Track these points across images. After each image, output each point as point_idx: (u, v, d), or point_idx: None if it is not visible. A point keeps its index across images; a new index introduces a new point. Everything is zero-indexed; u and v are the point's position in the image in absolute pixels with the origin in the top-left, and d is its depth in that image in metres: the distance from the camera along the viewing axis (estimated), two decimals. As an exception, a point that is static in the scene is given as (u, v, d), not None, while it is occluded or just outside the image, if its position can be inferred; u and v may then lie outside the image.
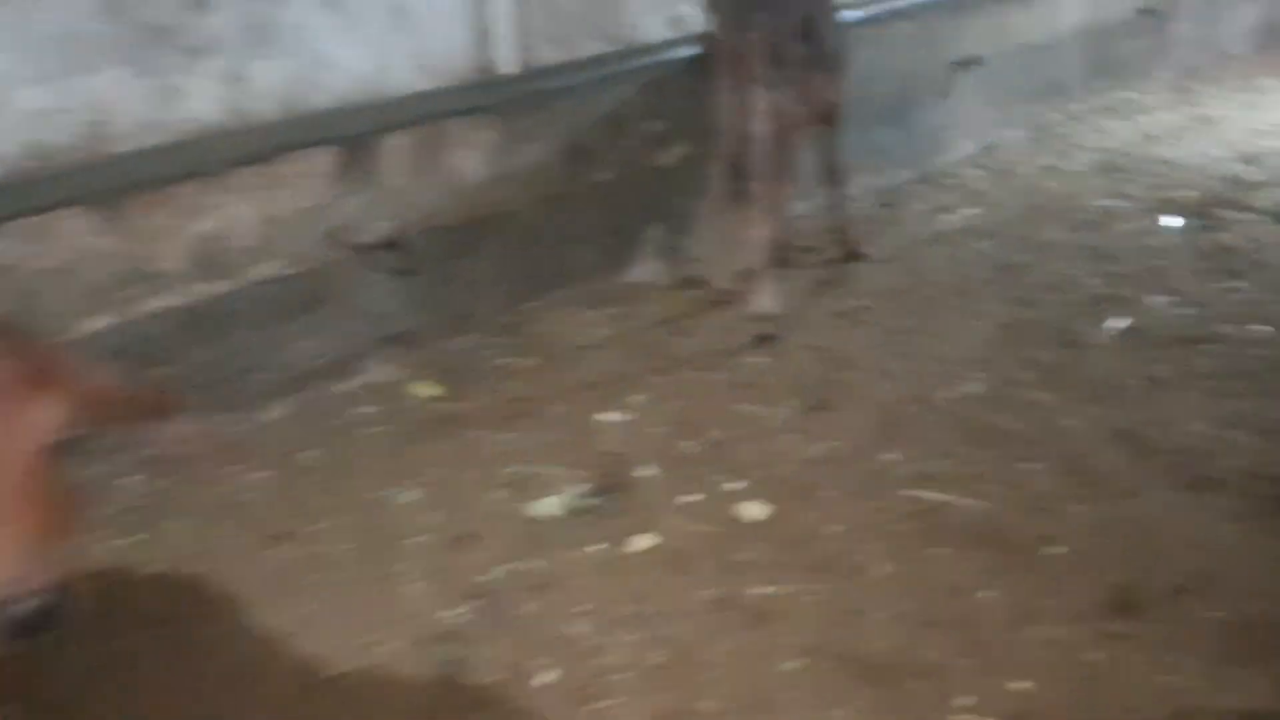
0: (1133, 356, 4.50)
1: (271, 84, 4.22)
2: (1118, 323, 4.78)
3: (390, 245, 4.56)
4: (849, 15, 6.01)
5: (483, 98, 4.83)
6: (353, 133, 4.43)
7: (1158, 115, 8.05)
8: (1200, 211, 6.00)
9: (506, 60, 5.17)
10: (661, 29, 5.37)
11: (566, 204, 5.16)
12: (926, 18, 6.65)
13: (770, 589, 3.31)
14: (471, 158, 4.78)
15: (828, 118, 5.30)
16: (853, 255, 5.67)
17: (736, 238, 4.96)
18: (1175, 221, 5.88)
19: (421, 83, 4.72)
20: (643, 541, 3.54)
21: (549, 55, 5.24)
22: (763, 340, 4.76)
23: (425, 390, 4.55)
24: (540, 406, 4.39)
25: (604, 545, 3.53)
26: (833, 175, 5.53)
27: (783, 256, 5.49)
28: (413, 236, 4.64)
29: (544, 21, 5.17)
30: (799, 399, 4.30)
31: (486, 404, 4.43)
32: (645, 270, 5.58)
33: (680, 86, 5.34)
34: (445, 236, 4.77)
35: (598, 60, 5.32)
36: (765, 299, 4.77)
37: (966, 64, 6.95)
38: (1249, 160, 6.90)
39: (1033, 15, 7.45)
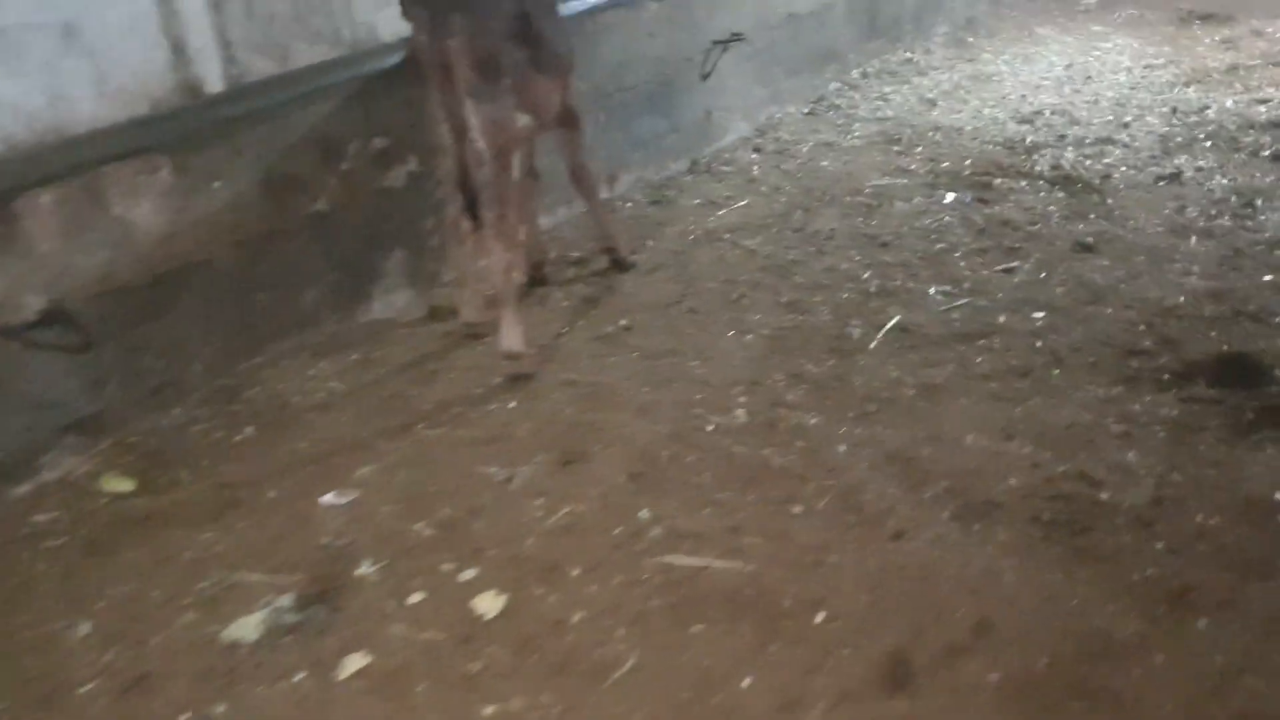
0: (906, 360, 4.15)
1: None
2: (891, 322, 4.42)
3: (51, 320, 3.84)
4: (583, 2, 5.52)
5: (157, 132, 4.13)
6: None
7: (935, 76, 7.83)
8: (978, 182, 5.74)
9: (211, 77, 4.52)
10: (400, 25, 4.69)
11: (277, 242, 4.51)
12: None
13: (501, 706, 2.81)
14: (145, 204, 4.08)
15: (565, 121, 4.80)
16: (618, 265, 5.20)
17: (476, 265, 4.42)
18: (952, 197, 5.59)
19: (111, 112, 4.10)
20: (354, 663, 2.99)
21: (261, 67, 4.60)
22: (515, 380, 4.25)
23: (115, 485, 3.87)
24: (252, 492, 3.77)
25: (305, 674, 2.96)
26: (581, 181, 5.04)
27: (539, 275, 5.01)
28: (78, 306, 3.93)
29: (248, 27, 4.52)
30: (547, 452, 3.80)
31: (187, 495, 3.78)
32: (388, 305, 4.98)
33: (404, 94, 4.74)
34: (124, 300, 4.07)
35: (317, 70, 4.69)
36: (511, 335, 4.25)
37: (728, 41, 6.52)
38: (1025, 120, 6.71)
39: (796, -19, 7.09)
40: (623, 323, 4.67)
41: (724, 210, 5.80)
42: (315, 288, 4.70)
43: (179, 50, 4.40)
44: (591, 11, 5.68)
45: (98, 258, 3.99)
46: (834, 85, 7.66)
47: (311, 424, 4.16)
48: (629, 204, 6.02)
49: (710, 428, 3.86)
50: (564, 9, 5.36)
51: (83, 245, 3.94)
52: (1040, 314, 4.39)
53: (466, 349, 4.55)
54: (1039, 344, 4.21)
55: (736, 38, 6.57)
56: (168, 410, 4.26)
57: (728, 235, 5.43)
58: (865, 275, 4.87)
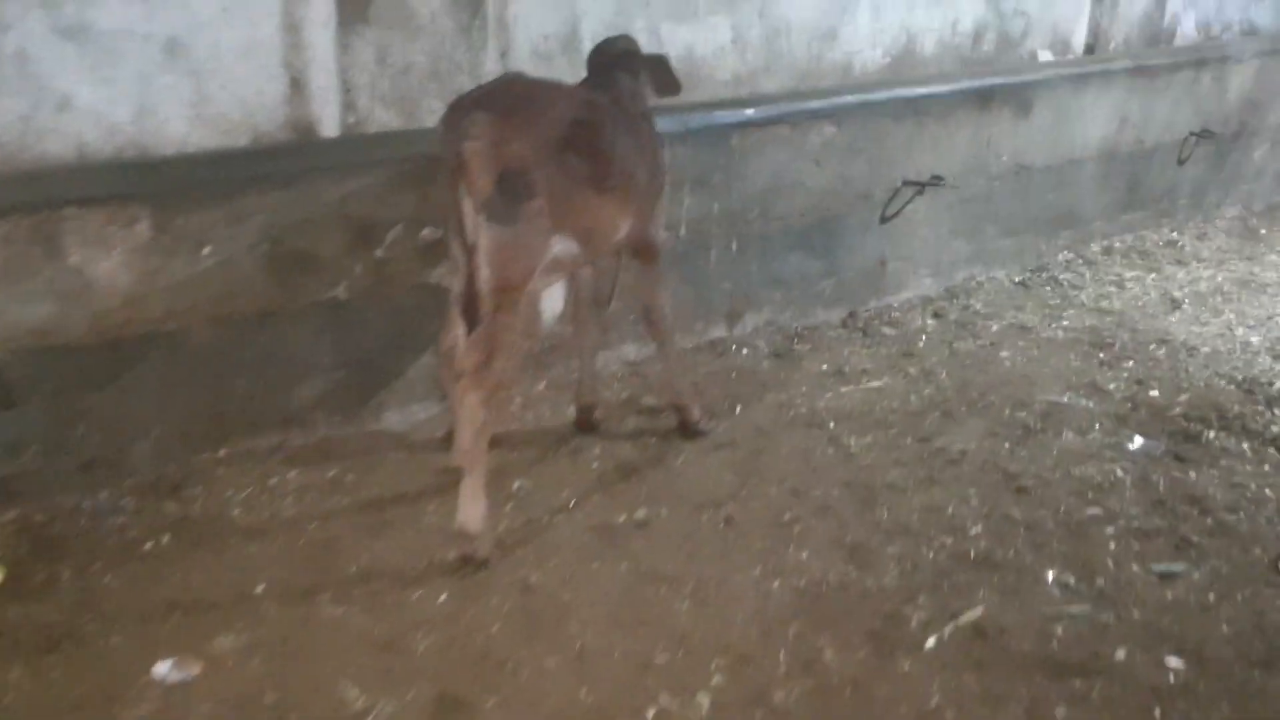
0: (961, 683, 2.98)
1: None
2: (970, 614, 3.25)
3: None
4: (734, 114, 4.63)
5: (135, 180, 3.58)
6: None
7: (1195, 270, 6.39)
8: (1184, 430, 4.39)
9: (328, 120, 4.04)
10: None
11: (272, 326, 3.86)
12: (860, 120, 5.18)
13: None
14: (111, 258, 3.52)
15: (639, 252, 3.92)
16: (684, 429, 4.24)
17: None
18: (1140, 443, 4.28)
19: (204, 138, 3.76)
20: None
21: (383, 118, 4.16)
22: (463, 564, 3.39)
23: (-15, 569, 3.30)
24: (102, 628, 3.11)
25: None
26: (652, 324, 4.13)
27: (586, 421, 4.15)
28: (6, 358, 3.41)
29: (377, 74, 4.05)
30: (430, 685, 2.92)
31: (40, 610, 3.17)
32: (405, 418, 4.26)
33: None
34: (65, 361, 3.53)
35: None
36: (469, 511, 3.39)
37: (926, 184, 5.43)
38: (1283, 354, 5.22)
39: (1033, 127, 5.90)
40: (640, 514, 3.72)
41: (849, 387, 4.72)
42: (313, 384, 4.02)
43: (298, 86, 3.90)
44: (742, 126, 4.77)
45: (39, 309, 3.45)
46: (1064, 255, 6.37)
47: (227, 553, 3.47)
48: (745, 350, 5.05)
49: (651, 713, 2.84)
50: (696, 121, 4.51)
51: (20, 293, 3.41)
52: (1179, 663, 3.09)
53: (448, 499, 3.72)
54: (1147, 701, 2.93)
55: (937, 181, 5.47)
56: (95, 491, 3.69)
57: (833, 424, 4.36)
58: (973, 530, 3.69)
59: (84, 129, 3.58)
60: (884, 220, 5.46)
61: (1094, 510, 3.84)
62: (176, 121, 3.76)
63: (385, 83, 4.17)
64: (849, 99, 5.17)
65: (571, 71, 4.29)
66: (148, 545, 3.51)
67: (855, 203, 5.35)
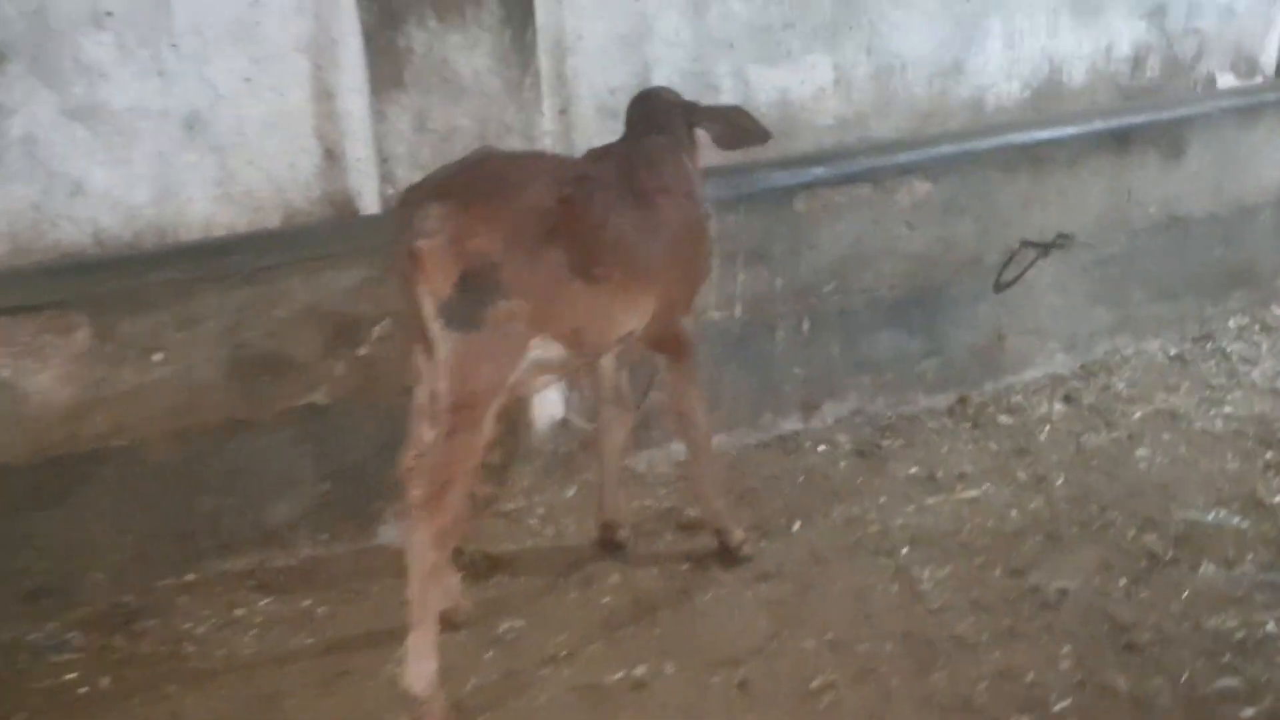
0: None
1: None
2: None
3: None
4: (796, 175, 3.96)
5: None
6: None
7: None
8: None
9: (367, 193, 3.69)
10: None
11: (240, 437, 3.44)
12: (960, 174, 4.40)
13: None
14: (47, 371, 3.17)
15: (665, 346, 3.30)
16: (724, 553, 3.58)
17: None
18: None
19: (232, 218, 3.48)
20: None
21: None
22: (408, 730, 2.84)
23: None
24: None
25: None
26: (684, 431, 3.50)
27: (609, 539, 3.56)
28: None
29: (416, 143, 3.63)
30: None
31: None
32: (396, 534, 3.74)
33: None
34: (4, 481, 3.19)
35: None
36: (416, 671, 2.83)
37: (1050, 245, 4.59)
38: None
39: (1188, 171, 4.94)
40: (639, 671, 3.08)
41: (938, 497, 3.93)
42: (292, 500, 3.57)
43: (333, 157, 3.58)
44: (808, 187, 4.08)
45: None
46: (1236, 321, 5.33)
47: (162, 703, 3.07)
48: (822, 446, 4.33)
49: None
50: (748, 184, 3.86)
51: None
52: None
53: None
54: None
55: (1064, 240, 4.61)
56: (42, 623, 3.34)
57: (905, 550, 3.60)
58: (1057, 706, 2.87)
59: (100, 214, 3.33)
60: (999, 288, 4.63)
61: (1228, 681, 2.95)
62: (200, 202, 3.47)
63: (425, 151, 3.73)
64: (946, 149, 4.40)
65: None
66: (83, 690, 3.12)
67: (961, 269, 4.55)
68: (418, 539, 2.76)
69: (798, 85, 4.35)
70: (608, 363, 3.43)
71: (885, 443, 4.37)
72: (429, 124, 3.70)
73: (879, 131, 4.54)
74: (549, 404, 3.02)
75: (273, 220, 3.54)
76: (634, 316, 3.10)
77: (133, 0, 3.22)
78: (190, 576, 3.50)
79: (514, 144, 3.75)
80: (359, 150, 3.63)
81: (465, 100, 3.70)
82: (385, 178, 3.69)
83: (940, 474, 4.10)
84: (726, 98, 4.16)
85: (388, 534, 3.74)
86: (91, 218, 3.31)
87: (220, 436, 3.41)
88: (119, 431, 3.29)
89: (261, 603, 3.46)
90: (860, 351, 4.45)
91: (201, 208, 3.45)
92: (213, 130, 3.40)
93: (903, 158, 4.27)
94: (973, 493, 3.96)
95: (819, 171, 4.11)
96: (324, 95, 3.54)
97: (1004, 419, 4.56)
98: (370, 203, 3.70)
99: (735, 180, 3.93)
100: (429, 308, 2.71)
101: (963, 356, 4.67)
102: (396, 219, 2.79)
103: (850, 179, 4.17)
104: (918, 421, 4.54)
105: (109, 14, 3.22)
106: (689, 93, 3.89)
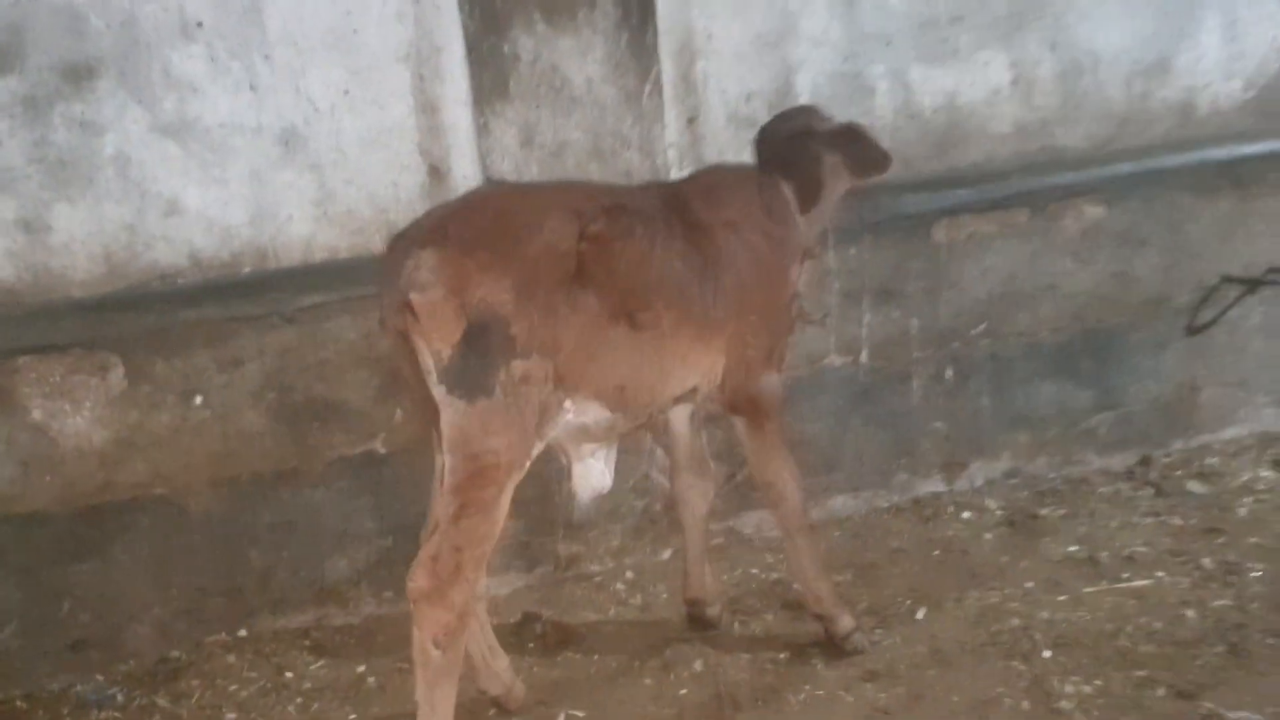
0: None
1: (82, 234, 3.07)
2: None
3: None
4: (929, 200, 3.42)
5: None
6: None
7: None
8: None
9: None
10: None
11: (290, 487, 3.19)
12: (1142, 197, 3.73)
13: None
14: (81, 414, 2.99)
15: (736, 406, 2.83)
16: (830, 641, 3.07)
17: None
18: None
19: (332, 239, 3.30)
20: None
21: None
22: None
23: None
24: None
25: None
26: (769, 503, 3.00)
27: (699, 615, 3.13)
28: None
29: (523, 158, 3.36)
30: None
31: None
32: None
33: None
34: (36, 530, 3.04)
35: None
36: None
37: (1260, 281, 3.84)
38: None
39: None
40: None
41: (1096, 587, 3.29)
42: (352, 555, 3.29)
43: (438, 175, 3.38)
44: (951, 213, 3.52)
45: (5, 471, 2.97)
46: None
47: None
48: (967, 513, 3.74)
49: None
50: (873, 209, 3.34)
51: (-18, 451, 2.95)
52: None
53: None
54: None
55: (1276, 276, 3.85)
56: (89, 674, 3.17)
57: (1048, 653, 2.98)
58: None
59: (195, 235, 3.20)
60: (1193, 331, 3.91)
61: None
62: (299, 222, 3.30)
63: (534, 166, 3.45)
64: (1124, 168, 3.72)
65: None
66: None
67: (1142, 310, 3.87)
68: (420, 637, 2.39)
69: (968, 87, 3.80)
70: (681, 423, 2.99)
71: (1043, 511, 3.73)
72: (537, 138, 3.40)
73: (1065, 140, 3.91)
74: (593, 473, 2.63)
75: (375, 243, 3.30)
76: (692, 370, 2.65)
77: (223, 9, 3.09)
78: (242, 633, 3.27)
79: (632, 160, 3.43)
80: (465, 167, 3.37)
81: (577, 111, 3.40)
82: None
83: (1104, 555, 3.44)
84: (882, 102, 3.68)
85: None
86: (187, 239, 3.19)
87: (268, 487, 3.17)
88: (157, 480, 3.10)
89: (313, 666, 3.19)
90: (1016, 404, 3.84)
91: (301, 228, 3.27)
92: (310, 147, 3.22)
93: (1069, 178, 3.63)
94: (1142, 582, 3.29)
95: (963, 195, 3.52)
96: (427, 108, 3.31)
97: (1194, 486, 3.83)
98: None
99: (857, 205, 3.39)
100: (429, 369, 2.34)
101: (1145, 411, 3.97)
102: (385, 267, 2.42)
103: (1002, 203, 3.57)
104: (1086, 486, 3.88)
105: (199, 24, 3.09)
106: (839, 99, 3.53)
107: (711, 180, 2.82)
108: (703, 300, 2.60)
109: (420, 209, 3.24)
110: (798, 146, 2.91)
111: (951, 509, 3.77)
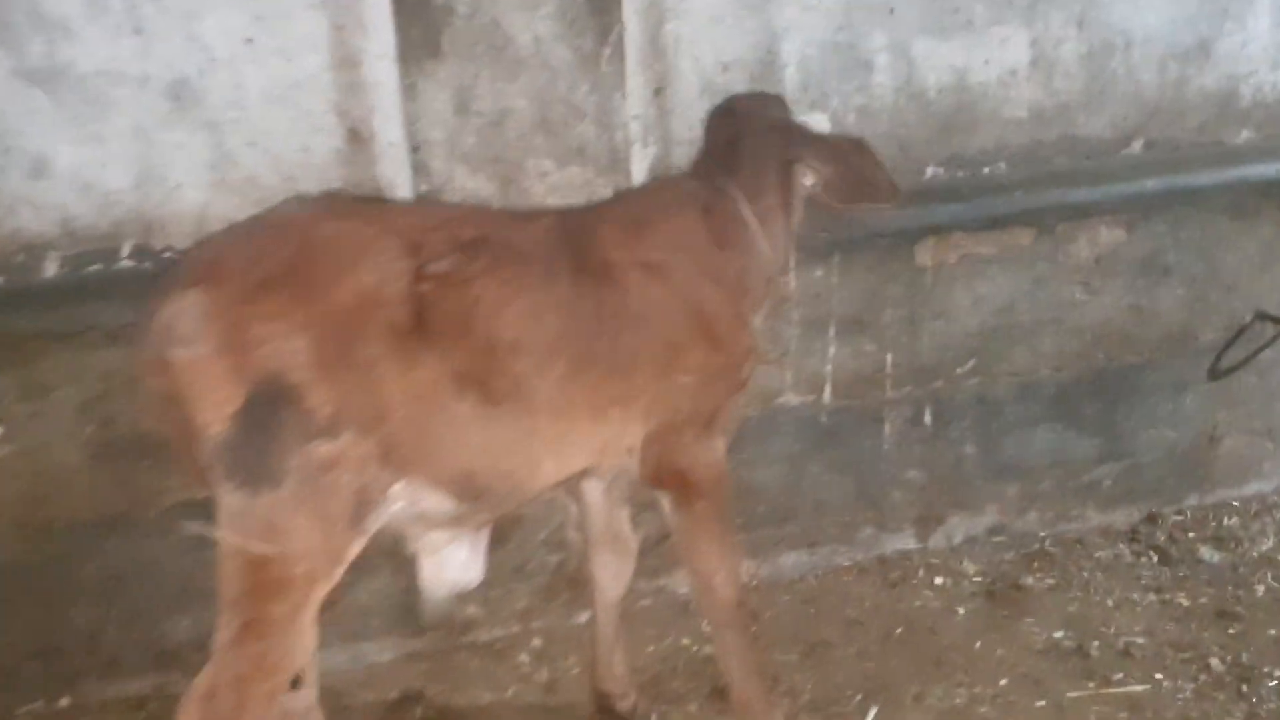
0: None
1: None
2: None
3: None
4: (908, 217, 2.86)
5: None
6: None
7: None
8: None
9: (400, 183, 2.94)
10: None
11: (115, 538, 2.66)
12: (1171, 218, 3.16)
13: None
14: None
15: (663, 481, 2.28)
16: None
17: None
18: None
19: (232, 208, 2.71)
20: None
21: (469, 183, 2.93)
22: None
23: None
24: None
25: None
26: (698, 594, 2.46)
27: (607, 710, 2.64)
28: None
29: (458, 126, 2.88)
30: None
31: None
32: (342, 658, 2.92)
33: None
34: None
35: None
36: None
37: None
38: None
39: None
40: None
41: (1082, 690, 2.79)
42: (196, 614, 2.75)
43: (358, 139, 2.87)
44: (938, 232, 2.95)
45: None
46: None
47: None
48: (940, 579, 3.24)
49: None
50: (848, 223, 2.79)
51: None
52: None
53: None
54: None
55: (1317, 312, 3.28)
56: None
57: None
58: None
59: (68, 199, 2.71)
60: (1217, 375, 3.34)
61: None
62: (192, 189, 2.80)
63: (469, 137, 2.92)
64: (1149, 184, 3.13)
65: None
66: None
67: (1161, 347, 3.32)
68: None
69: (980, 66, 3.23)
70: (593, 492, 2.43)
71: (1029, 580, 3.22)
72: (474, 103, 2.90)
73: (1087, 129, 3.33)
74: (452, 565, 2.09)
75: None
76: (578, 450, 2.11)
77: (100, -60, 2.56)
78: (64, 701, 2.75)
79: (587, 134, 2.91)
80: (391, 132, 2.88)
81: (523, 75, 2.91)
82: (417, 169, 2.89)
83: (1095, 646, 2.93)
84: (881, 79, 3.12)
85: (334, 658, 2.87)
86: (59, 203, 2.71)
87: (93, 535, 2.62)
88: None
89: None
90: (1006, 452, 3.30)
91: (194, 196, 2.79)
92: (205, 102, 2.74)
93: (1084, 194, 3.04)
94: (1138, 687, 2.78)
95: (955, 210, 2.93)
96: (345, 63, 2.81)
97: (1207, 553, 3.32)
98: (405, 193, 2.90)
99: (824, 219, 2.81)
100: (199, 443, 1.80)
101: (1156, 462, 3.44)
102: (146, 313, 1.84)
103: (1002, 221, 2.97)
104: (1082, 548, 3.37)
105: (72, -43, 2.56)
106: (830, 73, 3.03)
107: (638, 207, 2.26)
108: (597, 364, 2.04)
109: (336, 178, 2.83)
110: (767, 147, 2.34)
111: (922, 572, 3.25)
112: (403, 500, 1.93)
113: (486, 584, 2.89)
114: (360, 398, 1.80)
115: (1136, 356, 3.29)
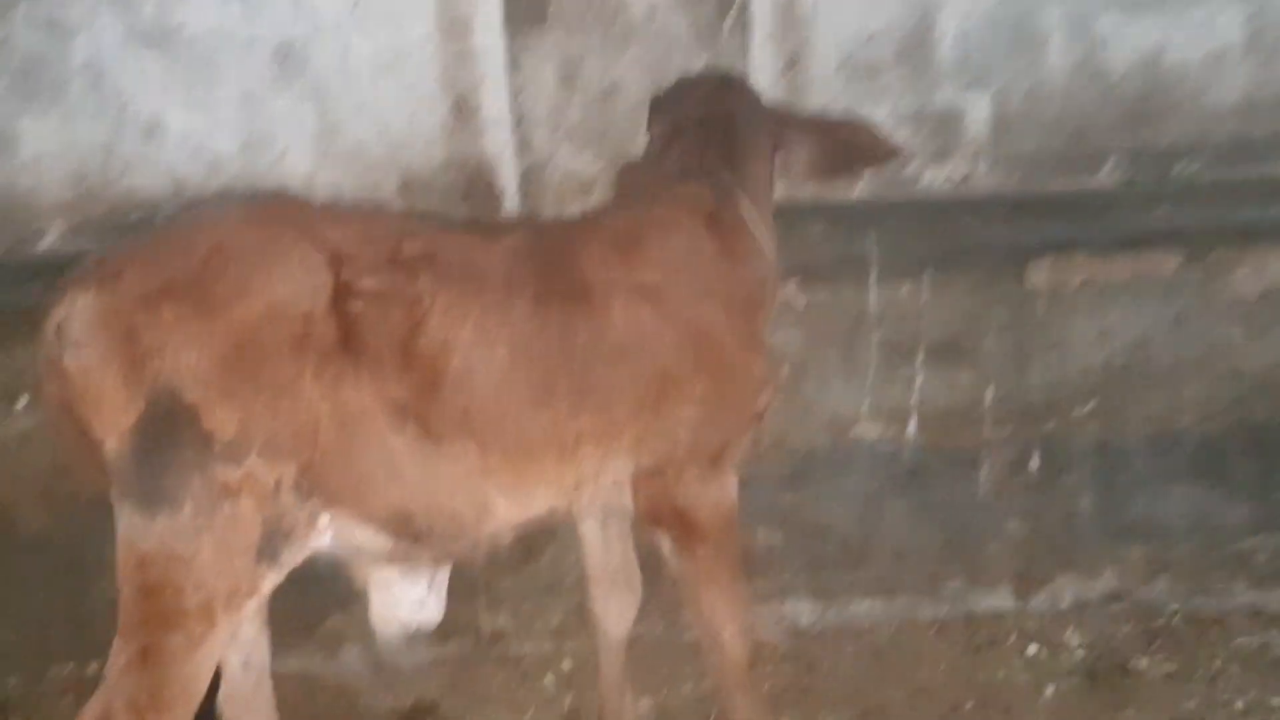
0: None
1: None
2: None
3: None
4: (1017, 232, 2.48)
5: None
6: None
7: None
8: None
9: (504, 162, 2.85)
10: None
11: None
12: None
13: None
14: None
15: (661, 520, 2.02)
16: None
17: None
18: None
19: (338, 177, 2.78)
20: None
21: (572, 163, 2.83)
22: None
23: None
24: None
25: None
26: (707, 644, 2.18)
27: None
28: None
29: (564, 101, 2.81)
30: None
31: None
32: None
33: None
34: None
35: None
36: None
37: None
38: None
39: None
40: None
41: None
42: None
43: (462, 112, 2.82)
44: (1060, 250, 2.52)
45: None
46: None
47: None
48: (1035, 646, 2.82)
49: None
50: (944, 231, 2.44)
51: None
52: None
53: None
54: None
55: None
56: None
57: None
58: None
59: (178, 161, 2.76)
60: None
61: None
62: (297, 155, 2.79)
63: (574, 111, 2.84)
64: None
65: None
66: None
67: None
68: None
69: (1180, 45, 2.81)
70: (591, 530, 2.19)
71: (1142, 662, 2.76)
72: (580, 76, 2.81)
73: None
74: (404, 603, 1.87)
75: (388, 185, 2.79)
76: (541, 490, 1.87)
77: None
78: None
79: None
80: (496, 105, 2.79)
81: (634, 45, 2.79)
82: (521, 145, 2.82)
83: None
84: (1055, 59, 2.80)
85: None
86: (170, 163, 2.75)
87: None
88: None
89: None
90: (1132, 509, 2.83)
91: (299, 162, 2.78)
92: (310, 69, 2.72)
93: (1247, 215, 2.52)
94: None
95: (1080, 229, 2.48)
96: (453, 30, 2.74)
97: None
98: (509, 173, 2.82)
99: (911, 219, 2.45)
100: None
101: (1326, 537, 2.86)
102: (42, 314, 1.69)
103: (1137, 242, 2.50)
104: (1219, 628, 2.85)
105: (182, -83, 2.62)
106: (991, 50, 2.76)
107: (632, 220, 1.98)
108: (562, 397, 1.79)
109: (440, 152, 2.77)
110: (760, 135, 2.08)
111: (1015, 637, 2.83)
112: (331, 534, 1.75)
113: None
114: (270, 421, 1.62)
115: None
